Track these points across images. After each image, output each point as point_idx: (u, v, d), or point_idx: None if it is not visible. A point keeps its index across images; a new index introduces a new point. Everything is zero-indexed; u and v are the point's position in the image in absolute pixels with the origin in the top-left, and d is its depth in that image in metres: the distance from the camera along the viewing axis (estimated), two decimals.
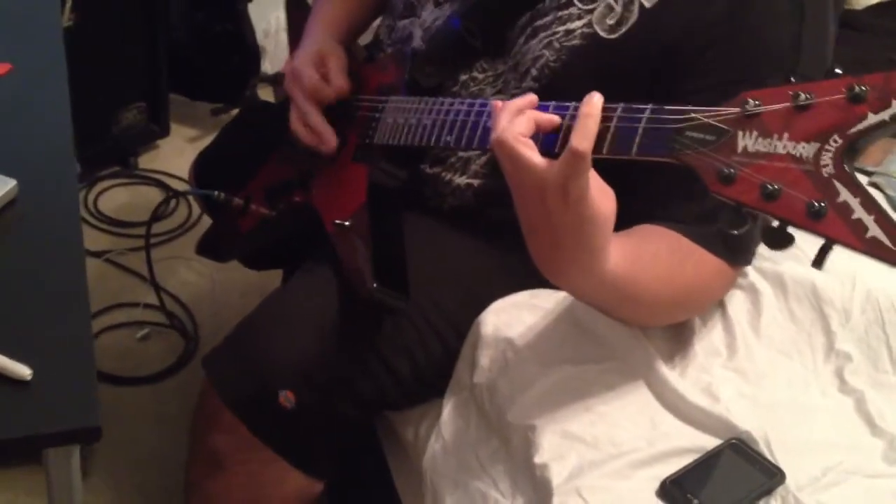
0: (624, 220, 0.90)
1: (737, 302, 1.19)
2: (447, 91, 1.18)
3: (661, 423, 1.05)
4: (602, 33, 1.05)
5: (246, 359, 1.16)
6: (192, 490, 1.25)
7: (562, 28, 1.07)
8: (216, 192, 1.31)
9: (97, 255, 2.13)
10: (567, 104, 0.85)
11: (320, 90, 1.21)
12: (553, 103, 0.86)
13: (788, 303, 1.19)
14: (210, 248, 1.49)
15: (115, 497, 1.67)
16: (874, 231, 0.62)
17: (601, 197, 0.82)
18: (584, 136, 0.77)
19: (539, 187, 0.81)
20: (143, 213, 2.28)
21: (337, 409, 1.16)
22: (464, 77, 1.18)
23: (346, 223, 1.13)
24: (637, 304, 1.02)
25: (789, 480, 0.98)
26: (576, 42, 1.07)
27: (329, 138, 1.19)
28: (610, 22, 1.05)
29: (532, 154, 0.80)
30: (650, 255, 0.99)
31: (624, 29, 1.04)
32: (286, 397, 1.12)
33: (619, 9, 1.04)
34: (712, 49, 1.01)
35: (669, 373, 1.09)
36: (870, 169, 1.57)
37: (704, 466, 1.00)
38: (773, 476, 0.99)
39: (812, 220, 0.65)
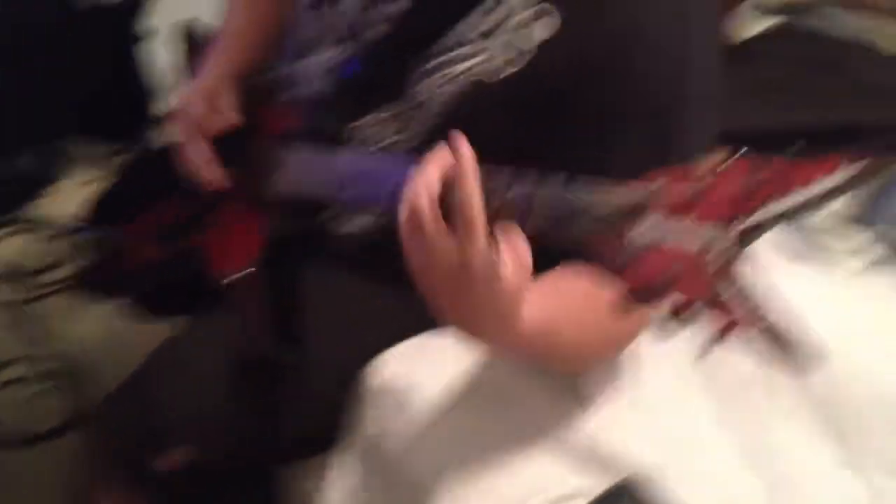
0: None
1: (637, 342, 1.19)
2: (347, 134, 1.16)
3: (558, 465, 1.03)
4: (500, 69, 1.04)
5: (133, 414, 1.13)
6: None
7: (460, 65, 1.06)
8: (107, 233, 1.28)
9: None
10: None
11: (207, 122, 1.19)
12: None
13: (691, 338, 1.18)
14: (96, 286, 1.44)
15: None
16: (764, 322, 0.63)
17: (512, 262, 0.78)
18: (468, 205, 0.75)
19: (439, 259, 0.77)
20: (37, 262, 2.20)
21: (227, 466, 1.12)
22: (364, 118, 1.15)
23: (240, 274, 1.10)
24: (557, 355, 0.98)
25: None
26: (475, 79, 1.06)
27: (214, 173, 1.16)
28: (508, 57, 1.04)
29: (432, 223, 0.77)
30: (570, 303, 0.96)
31: (522, 63, 1.03)
32: (175, 457, 1.08)
33: (516, 44, 1.03)
34: (603, 80, 1.00)
35: (565, 412, 1.07)
36: None
37: None
38: None
39: (707, 307, 0.65)
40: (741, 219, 0.64)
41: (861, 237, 1.53)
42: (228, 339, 1.13)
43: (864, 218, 1.54)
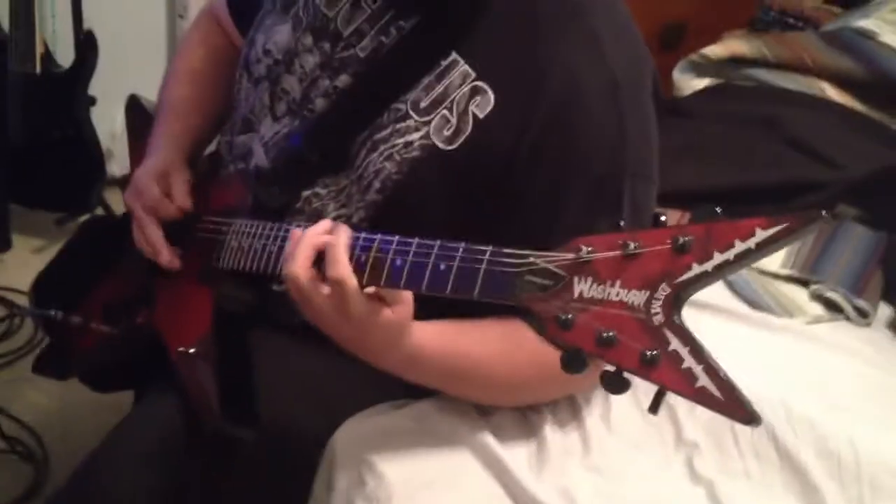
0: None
1: (588, 398, 1.22)
2: (291, 208, 1.17)
3: None
4: (440, 144, 1.07)
5: None
6: None
7: (401, 140, 1.09)
8: (53, 312, 1.26)
9: None
10: (370, 237, 0.88)
11: (161, 207, 1.19)
12: (363, 234, 0.89)
13: (637, 395, 1.21)
14: (47, 366, 1.42)
15: None
16: (703, 381, 0.63)
17: (393, 307, 0.90)
18: (334, 265, 0.87)
19: (321, 312, 0.91)
20: None
21: None
22: (307, 193, 1.17)
23: (191, 350, 1.09)
24: (469, 380, 1.07)
25: None
26: (415, 154, 1.08)
27: (165, 254, 1.17)
28: (447, 133, 1.07)
29: (308, 283, 0.90)
30: (479, 336, 1.04)
31: (461, 139, 1.06)
32: None
33: (454, 120, 1.06)
34: (542, 155, 1.04)
35: (526, 477, 1.09)
36: None
37: None
38: None
39: (646, 368, 0.66)
40: (668, 282, 0.66)
41: (806, 292, 1.59)
42: (179, 416, 1.12)
43: (810, 272, 1.60)
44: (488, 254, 0.79)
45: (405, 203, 1.08)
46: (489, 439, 1.12)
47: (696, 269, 0.65)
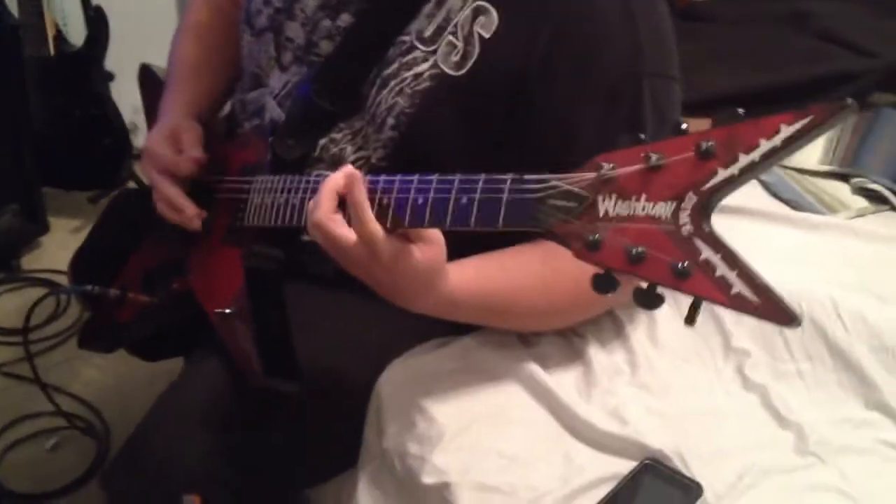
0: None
1: (632, 316, 1.20)
2: (310, 158, 1.16)
3: (575, 457, 1.04)
4: (449, 71, 1.05)
5: (141, 469, 1.12)
6: None
7: (409, 73, 1.07)
8: (90, 287, 1.27)
9: None
10: (390, 178, 0.86)
11: (175, 165, 1.18)
12: (382, 178, 0.87)
13: (682, 309, 1.18)
14: (92, 340, 1.44)
15: None
16: (738, 287, 0.61)
17: (421, 246, 0.88)
18: (360, 222, 0.85)
19: (353, 260, 0.89)
20: (35, 317, 2.20)
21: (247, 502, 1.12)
22: (323, 141, 1.16)
23: (227, 311, 1.09)
24: (508, 313, 1.06)
25: (707, 492, 0.98)
26: (426, 84, 1.06)
27: (191, 213, 1.16)
28: (455, 59, 1.04)
29: (335, 230, 0.87)
30: (516, 267, 1.03)
31: (470, 63, 1.04)
32: (192, 501, 1.08)
33: (460, 44, 1.04)
34: (555, 69, 1.01)
35: (575, 402, 1.08)
36: None
37: (622, 495, 0.99)
38: (690, 491, 0.99)
39: (678, 280, 0.64)
40: (695, 190, 0.64)
41: (848, 186, 1.55)
42: (224, 374, 1.12)
43: (850, 166, 1.56)
44: (509, 182, 0.77)
45: (421, 136, 1.05)
46: (535, 369, 1.12)
47: (722, 174, 0.63)
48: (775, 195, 1.51)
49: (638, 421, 1.07)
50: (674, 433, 1.05)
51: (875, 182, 1.51)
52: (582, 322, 1.17)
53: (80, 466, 1.84)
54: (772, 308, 0.61)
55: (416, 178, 0.84)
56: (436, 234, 0.89)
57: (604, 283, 0.70)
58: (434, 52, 1.06)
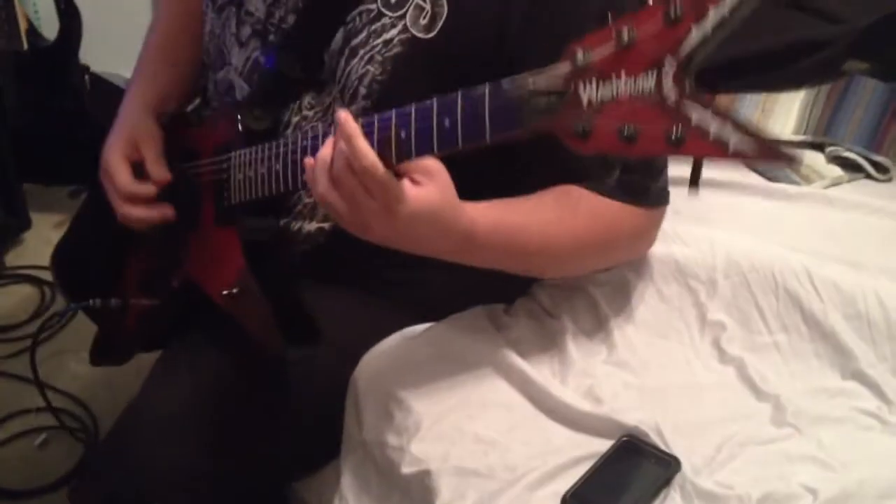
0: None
1: (607, 294, 1.20)
2: (280, 131, 1.15)
3: (553, 438, 1.05)
4: (419, 34, 1.04)
5: (106, 482, 1.12)
6: None
7: (379, 41, 1.06)
8: (91, 301, 1.26)
9: None
10: (368, 121, 0.86)
11: (138, 193, 1.18)
12: (360, 121, 0.87)
13: (656, 284, 1.20)
14: (105, 355, 1.43)
15: None
16: (735, 140, 0.62)
17: (424, 180, 0.87)
18: (358, 156, 0.83)
19: (367, 217, 0.87)
20: (21, 314, 2.20)
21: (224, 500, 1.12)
22: (295, 118, 1.15)
23: (234, 290, 1.09)
24: (531, 251, 1.03)
25: (685, 466, 0.99)
26: (397, 50, 1.06)
27: (165, 214, 1.16)
28: (424, 21, 1.04)
29: (345, 196, 0.86)
30: (533, 203, 1.02)
31: (440, 24, 1.03)
32: None
33: (428, 6, 1.03)
34: (536, 17, 1.00)
35: (550, 383, 1.09)
36: None
37: (601, 472, 1.00)
38: (668, 466, 0.99)
39: (675, 148, 0.65)
40: (672, 55, 0.65)
41: (822, 155, 1.55)
42: (201, 373, 1.13)
43: (824, 135, 1.56)
44: (487, 93, 0.77)
45: (395, 104, 1.06)
46: (508, 353, 1.12)
47: (696, 32, 0.64)
48: (752, 168, 1.51)
49: (614, 399, 1.08)
50: (651, 408, 1.06)
51: (849, 150, 1.51)
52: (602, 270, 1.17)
53: (69, 462, 1.84)
54: (771, 151, 0.62)
55: (392, 112, 0.85)
56: (435, 165, 0.88)
57: (600, 170, 0.68)
58: (402, 16, 1.05)
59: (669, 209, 1.11)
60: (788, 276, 1.17)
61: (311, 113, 1.14)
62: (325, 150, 0.89)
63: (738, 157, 0.62)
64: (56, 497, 1.79)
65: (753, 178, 1.48)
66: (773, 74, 1.68)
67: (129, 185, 1.17)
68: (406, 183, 0.87)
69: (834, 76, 1.60)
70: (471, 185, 0.92)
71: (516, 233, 1.01)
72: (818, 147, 1.56)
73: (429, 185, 0.87)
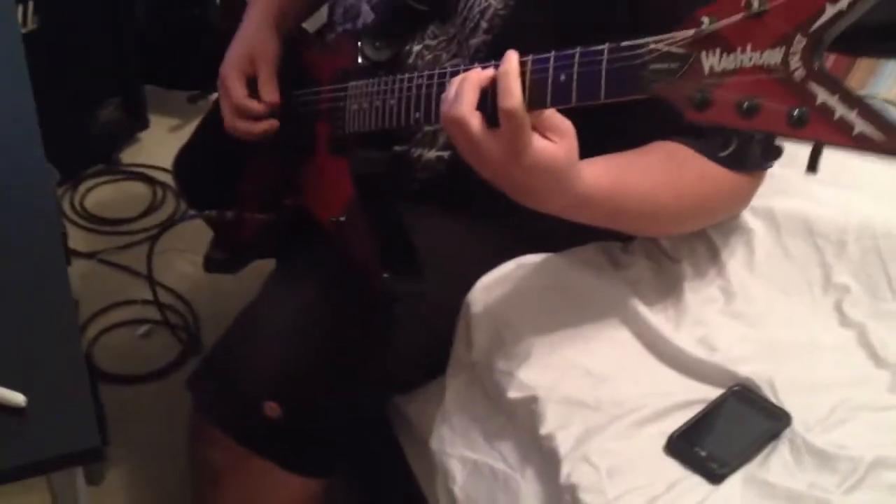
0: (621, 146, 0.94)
1: (729, 243, 1.18)
2: (403, 64, 1.15)
3: (663, 380, 1.04)
4: None
5: (225, 376, 1.16)
6: (196, 499, 1.25)
7: None
8: (207, 212, 1.29)
9: (89, 255, 2.11)
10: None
11: (247, 108, 1.19)
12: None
13: (782, 239, 1.18)
14: (218, 264, 1.47)
15: (130, 496, 1.68)
16: (860, 126, 0.60)
17: (555, 138, 0.85)
18: (507, 95, 0.80)
19: (492, 156, 0.84)
20: (132, 209, 2.27)
21: (325, 413, 1.15)
22: (417, 47, 1.15)
23: (342, 219, 1.11)
24: (637, 214, 1.01)
25: (796, 422, 0.98)
26: None
27: (267, 130, 1.18)
28: None
29: (478, 126, 0.83)
30: (643, 166, 1.00)
31: None
32: (271, 408, 1.11)
33: None
34: None
35: (664, 327, 1.08)
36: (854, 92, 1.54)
37: (709, 417, 0.99)
38: (779, 420, 0.98)
39: (795, 128, 0.63)
40: (803, 31, 0.62)
41: None
42: (312, 291, 1.15)
43: None
44: (606, 52, 0.76)
45: (515, 37, 1.04)
46: (625, 291, 1.11)
47: (830, 9, 0.61)
48: None
49: (728, 348, 1.07)
50: (765, 363, 1.04)
51: None
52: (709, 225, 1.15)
53: (168, 355, 1.91)
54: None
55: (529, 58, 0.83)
56: (568, 126, 0.85)
57: (717, 142, 0.67)
58: None
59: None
60: None
61: (434, 42, 1.14)
62: (483, 74, 0.85)
63: (862, 145, 0.59)
64: (154, 386, 1.86)
65: None
66: None
67: (240, 98, 1.19)
68: (535, 135, 0.84)
69: None
70: (579, 129, 0.89)
71: (627, 198, 0.98)
72: None
73: (558, 143, 0.85)
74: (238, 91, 1.20)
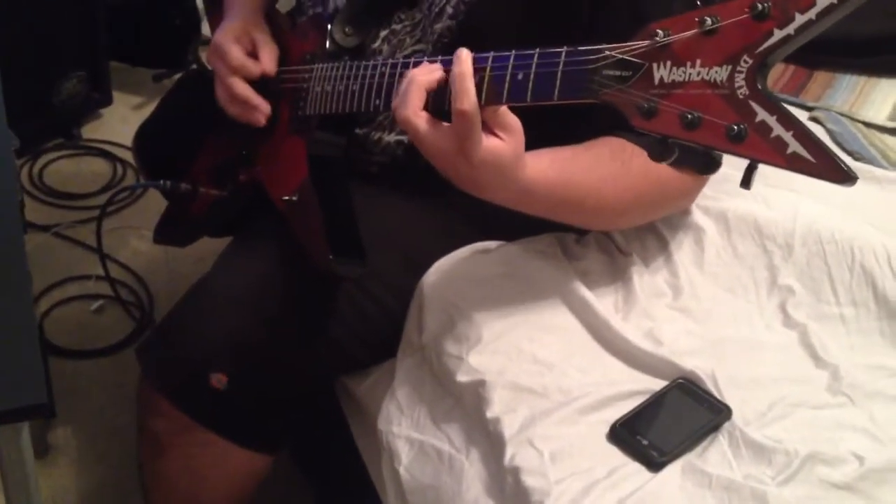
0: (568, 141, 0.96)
1: (680, 241, 1.21)
2: (368, 49, 1.17)
3: (609, 369, 1.06)
4: None
5: (174, 344, 1.16)
6: (142, 470, 1.25)
7: None
8: (162, 182, 1.29)
9: (45, 228, 2.10)
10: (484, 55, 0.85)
11: (246, 67, 1.19)
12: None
13: (731, 239, 1.20)
14: (168, 235, 1.47)
15: (78, 469, 1.67)
16: (794, 146, 0.62)
17: (504, 136, 0.87)
18: (461, 98, 0.83)
19: (440, 152, 0.87)
20: (90, 185, 2.26)
21: (272, 385, 1.15)
22: (384, 32, 1.16)
23: (294, 198, 1.11)
24: (579, 207, 1.04)
25: (736, 416, 1.00)
26: None
27: (262, 107, 1.17)
28: None
29: (425, 126, 0.87)
30: (588, 160, 1.02)
31: None
32: (218, 379, 1.12)
33: None
34: None
35: (613, 318, 1.10)
36: (810, 104, 1.58)
37: (652, 407, 1.01)
38: (719, 412, 1.00)
39: (733, 143, 0.65)
40: (750, 53, 0.64)
41: None
42: (267, 262, 1.16)
43: None
44: (563, 54, 0.78)
45: (479, 24, 1.05)
46: (575, 281, 1.13)
47: (778, 33, 0.63)
48: (840, 145, 1.49)
49: (673, 342, 1.09)
50: (709, 358, 1.07)
51: None
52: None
53: (121, 332, 1.90)
54: (828, 166, 0.62)
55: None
56: (517, 124, 0.88)
57: (659, 151, 0.71)
58: None
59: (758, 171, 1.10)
60: (867, 254, 1.16)
61: (399, 27, 1.15)
62: (431, 75, 0.88)
63: (795, 165, 0.62)
64: (105, 361, 1.85)
65: (843, 156, 1.46)
66: (879, 59, 1.65)
67: (240, 58, 1.18)
68: (484, 134, 0.87)
69: None
70: (528, 122, 0.92)
71: (572, 191, 1.01)
72: None
73: (506, 141, 0.88)
74: (235, 52, 1.19)
